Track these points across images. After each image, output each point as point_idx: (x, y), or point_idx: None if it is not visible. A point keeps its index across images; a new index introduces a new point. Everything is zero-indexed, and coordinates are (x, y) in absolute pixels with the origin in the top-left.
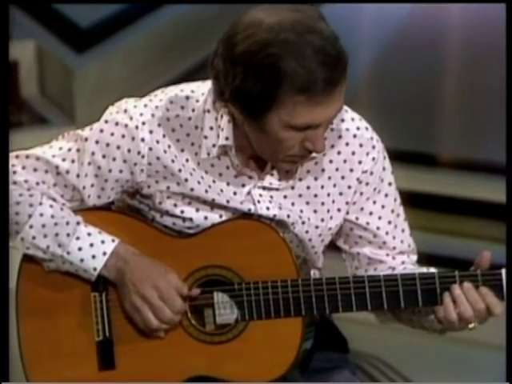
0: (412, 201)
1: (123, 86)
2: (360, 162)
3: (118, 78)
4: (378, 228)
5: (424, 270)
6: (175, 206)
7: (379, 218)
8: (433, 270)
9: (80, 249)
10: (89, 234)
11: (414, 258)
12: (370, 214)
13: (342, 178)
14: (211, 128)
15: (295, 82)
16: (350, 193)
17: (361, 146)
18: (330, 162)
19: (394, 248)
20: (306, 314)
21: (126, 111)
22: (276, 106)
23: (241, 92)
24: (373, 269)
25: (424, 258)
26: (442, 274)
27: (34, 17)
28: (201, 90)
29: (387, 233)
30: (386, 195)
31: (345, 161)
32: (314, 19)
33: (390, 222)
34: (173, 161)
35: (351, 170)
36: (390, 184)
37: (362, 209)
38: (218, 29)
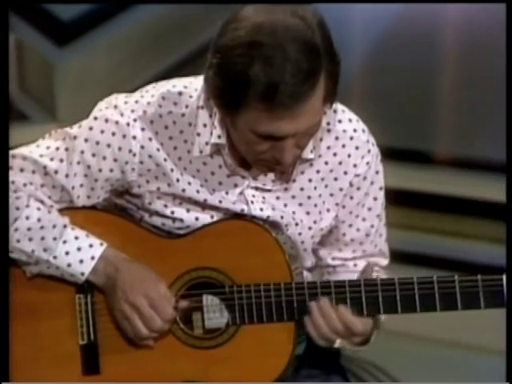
0: (407, 200)
1: (106, 81)
2: (355, 166)
3: (101, 73)
4: (358, 230)
5: (378, 275)
6: (165, 206)
7: (363, 219)
8: (380, 275)
9: (67, 253)
10: (76, 238)
11: (383, 261)
12: (357, 216)
13: (335, 179)
14: (205, 125)
15: (257, 90)
16: (341, 195)
17: (357, 148)
18: (326, 163)
19: (363, 251)
20: (300, 319)
21: (116, 107)
22: (242, 107)
23: (213, 85)
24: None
25: (419, 259)
26: (441, 278)
27: (12, 9)
28: (194, 85)
29: (367, 235)
30: (375, 199)
31: (340, 163)
32: (307, 27)
33: (372, 226)
34: (165, 159)
35: (345, 173)
36: (380, 188)
37: (350, 212)
38: (206, 22)
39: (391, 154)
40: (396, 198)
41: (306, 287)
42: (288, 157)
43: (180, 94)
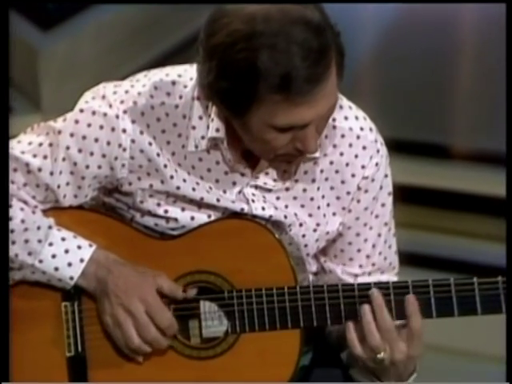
0: (422, 197)
1: (94, 68)
2: (363, 167)
3: (89, 59)
4: (365, 240)
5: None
6: (158, 205)
7: (370, 228)
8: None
9: (54, 256)
10: (63, 239)
11: (394, 278)
12: (365, 224)
13: (342, 182)
14: (200, 118)
15: (270, 81)
16: (348, 199)
17: (364, 148)
18: (331, 163)
19: (373, 264)
20: (305, 326)
21: (104, 97)
22: (255, 104)
23: (217, 88)
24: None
25: (437, 263)
26: (459, 281)
27: None
28: (189, 74)
29: (374, 246)
30: (383, 205)
31: (347, 164)
32: (304, 7)
33: (379, 235)
34: (158, 154)
35: (353, 175)
36: (389, 194)
37: (357, 218)
38: (200, 6)
39: (404, 148)
40: (409, 196)
41: (312, 291)
42: (313, 144)
43: (174, 83)
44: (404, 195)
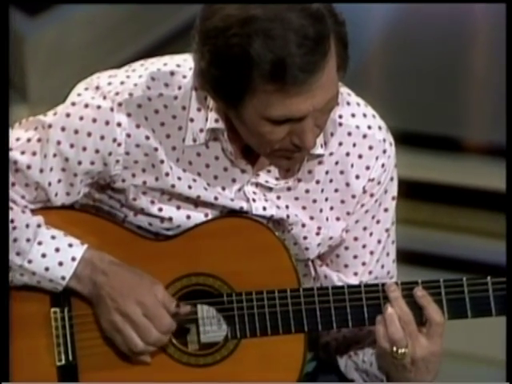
0: (433, 193)
1: (85, 57)
2: (368, 168)
3: (79, 47)
4: (363, 246)
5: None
6: (152, 202)
7: (370, 234)
8: None
9: (44, 255)
10: (53, 238)
11: None
12: (364, 228)
13: (347, 184)
14: (199, 109)
15: (263, 69)
16: (354, 203)
17: (370, 148)
18: (336, 163)
19: (370, 272)
20: (310, 331)
21: (98, 88)
22: (249, 94)
23: (209, 76)
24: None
25: (448, 262)
26: (472, 280)
27: None
28: (188, 64)
29: (372, 253)
30: (386, 210)
31: (352, 165)
32: None
33: (379, 241)
34: (156, 149)
35: (357, 177)
36: (393, 198)
37: (357, 221)
38: None
39: (415, 141)
40: (420, 192)
41: (316, 294)
42: (310, 139)
43: (172, 73)
44: (414, 191)
